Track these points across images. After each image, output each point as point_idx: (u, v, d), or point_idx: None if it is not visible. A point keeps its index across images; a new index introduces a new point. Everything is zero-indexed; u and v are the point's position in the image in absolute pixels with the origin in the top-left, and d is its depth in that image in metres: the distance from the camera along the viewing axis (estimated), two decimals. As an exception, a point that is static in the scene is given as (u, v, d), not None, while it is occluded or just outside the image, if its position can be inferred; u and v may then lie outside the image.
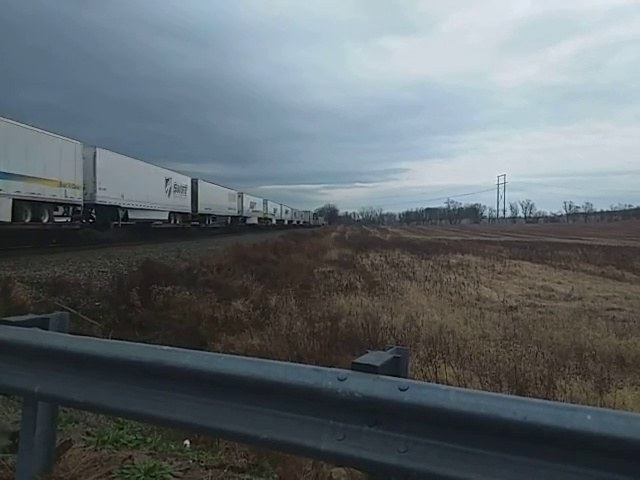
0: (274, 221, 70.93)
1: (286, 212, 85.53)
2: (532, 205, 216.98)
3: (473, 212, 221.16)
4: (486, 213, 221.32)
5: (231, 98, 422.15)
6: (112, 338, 6.12)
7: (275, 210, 73.47)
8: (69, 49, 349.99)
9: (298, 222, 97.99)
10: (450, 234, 72.16)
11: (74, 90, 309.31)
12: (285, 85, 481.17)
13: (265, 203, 64.53)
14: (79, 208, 21.73)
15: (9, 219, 17.07)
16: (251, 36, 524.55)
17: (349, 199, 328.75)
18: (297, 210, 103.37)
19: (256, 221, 58.19)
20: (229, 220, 47.23)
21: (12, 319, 2.61)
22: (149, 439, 3.58)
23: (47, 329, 2.55)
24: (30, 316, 2.74)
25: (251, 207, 55.65)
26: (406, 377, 1.90)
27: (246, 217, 53.49)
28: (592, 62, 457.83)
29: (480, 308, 12.78)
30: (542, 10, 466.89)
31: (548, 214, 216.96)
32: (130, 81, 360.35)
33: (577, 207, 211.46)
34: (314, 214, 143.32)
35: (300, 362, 4.04)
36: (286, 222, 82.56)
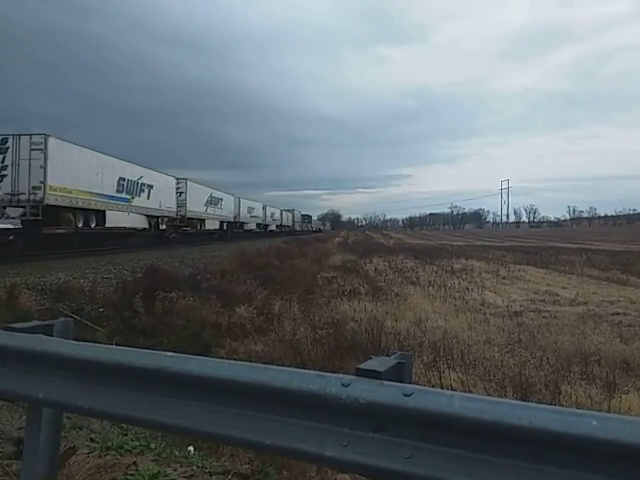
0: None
1: (217, 203, 42.33)
2: (536, 210, 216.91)
3: (477, 217, 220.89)
4: (490, 218, 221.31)
5: (230, 105, 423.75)
6: (116, 344, 6.12)
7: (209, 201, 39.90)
8: (70, 59, 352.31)
9: (264, 227, 61.05)
10: (454, 239, 72.08)
11: (73, 99, 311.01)
12: (284, 92, 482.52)
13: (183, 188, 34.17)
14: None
15: None
16: (251, 45, 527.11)
17: (351, 205, 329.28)
18: (254, 204, 57.50)
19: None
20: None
21: (17, 325, 2.62)
22: (153, 445, 3.58)
23: (52, 335, 2.56)
24: (35, 322, 2.74)
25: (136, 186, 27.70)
26: (410, 383, 1.90)
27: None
28: (589, 69, 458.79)
29: (484, 313, 12.75)
30: (536, 20, 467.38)
31: (552, 219, 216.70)
32: (129, 89, 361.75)
33: (581, 212, 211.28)
34: (304, 216, 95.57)
35: (304, 368, 4.03)
36: (223, 225, 45.12)
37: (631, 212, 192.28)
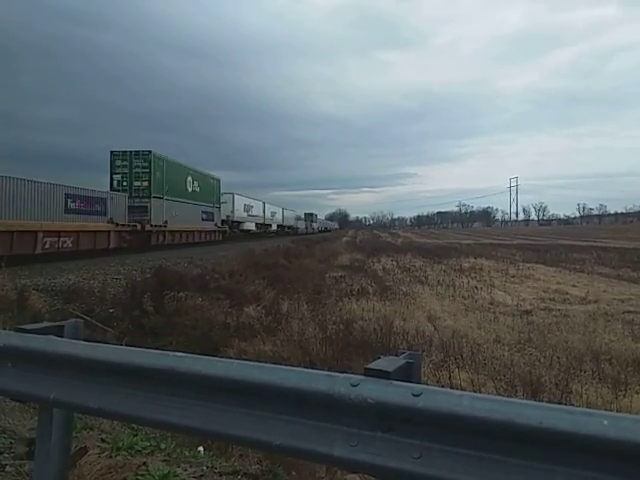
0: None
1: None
2: (545, 207, 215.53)
3: (485, 215, 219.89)
4: (498, 216, 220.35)
5: (240, 109, 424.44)
6: (126, 345, 6.16)
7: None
8: (87, 67, 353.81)
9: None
10: (462, 238, 71.81)
11: (89, 104, 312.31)
12: (292, 96, 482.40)
13: None
14: None
15: None
16: (262, 52, 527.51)
17: (358, 204, 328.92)
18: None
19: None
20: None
21: (28, 327, 2.64)
22: (163, 445, 3.59)
23: (62, 336, 2.57)
24: (45, 324, 2.76)
25: None
26: (419, 382, 1.89)
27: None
28: (589, 69, 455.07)
29: (494, 312, 12.69)
30: (532, 23, 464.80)
31: (561, 216, 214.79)
32: (144, 95, 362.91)
33: (591, 209, 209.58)
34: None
35: (312, 368, 4.03)
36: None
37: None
